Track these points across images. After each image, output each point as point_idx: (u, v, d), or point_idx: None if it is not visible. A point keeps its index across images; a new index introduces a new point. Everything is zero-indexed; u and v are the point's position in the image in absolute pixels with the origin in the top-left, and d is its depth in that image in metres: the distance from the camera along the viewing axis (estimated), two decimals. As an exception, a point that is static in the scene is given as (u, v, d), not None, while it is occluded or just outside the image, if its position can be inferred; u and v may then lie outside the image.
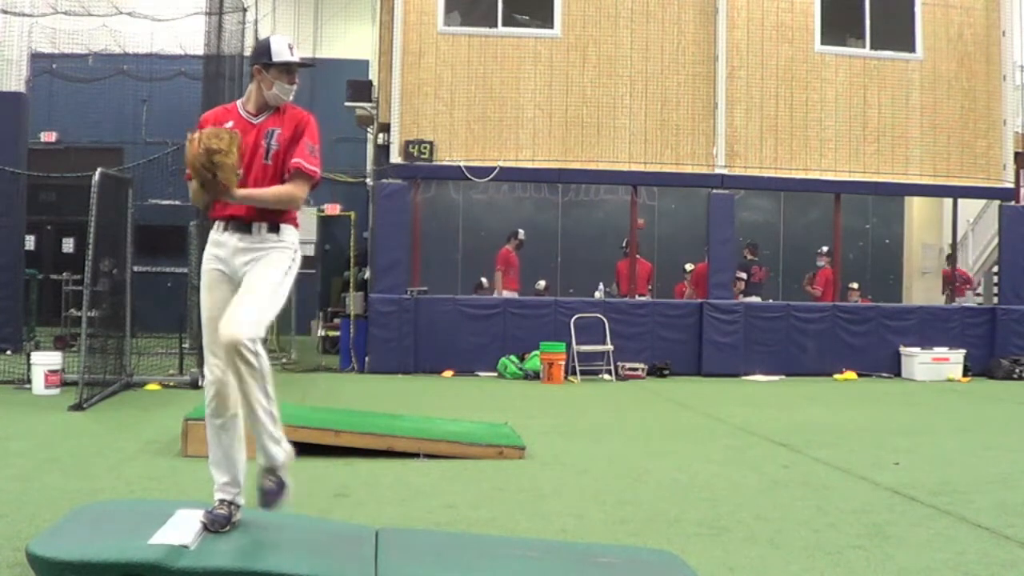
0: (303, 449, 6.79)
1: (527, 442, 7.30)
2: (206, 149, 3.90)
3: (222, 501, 4.13)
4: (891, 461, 7.22)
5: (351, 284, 16.48)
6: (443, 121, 14.18)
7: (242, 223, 4.11)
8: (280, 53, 4.20)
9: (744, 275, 15.35)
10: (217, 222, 4.17)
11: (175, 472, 6.33)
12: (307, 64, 4.32)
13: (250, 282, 4.07)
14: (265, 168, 4.15)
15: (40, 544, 3.78)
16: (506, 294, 14.72)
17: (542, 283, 15.73)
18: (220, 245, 4.15)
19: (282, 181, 4.16)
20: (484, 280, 15.46)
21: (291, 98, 4.26)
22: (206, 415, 4.17)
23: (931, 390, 13.05)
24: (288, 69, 4.21)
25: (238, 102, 4.32)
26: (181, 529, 3.94)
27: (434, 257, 15.96)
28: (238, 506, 4.16)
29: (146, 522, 4.01)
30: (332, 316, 17.07)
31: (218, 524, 4.03)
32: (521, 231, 15.22)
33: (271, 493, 4.12)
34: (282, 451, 4.12)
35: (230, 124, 4.19)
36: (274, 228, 4.15)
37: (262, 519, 4.39)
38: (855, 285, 16.13)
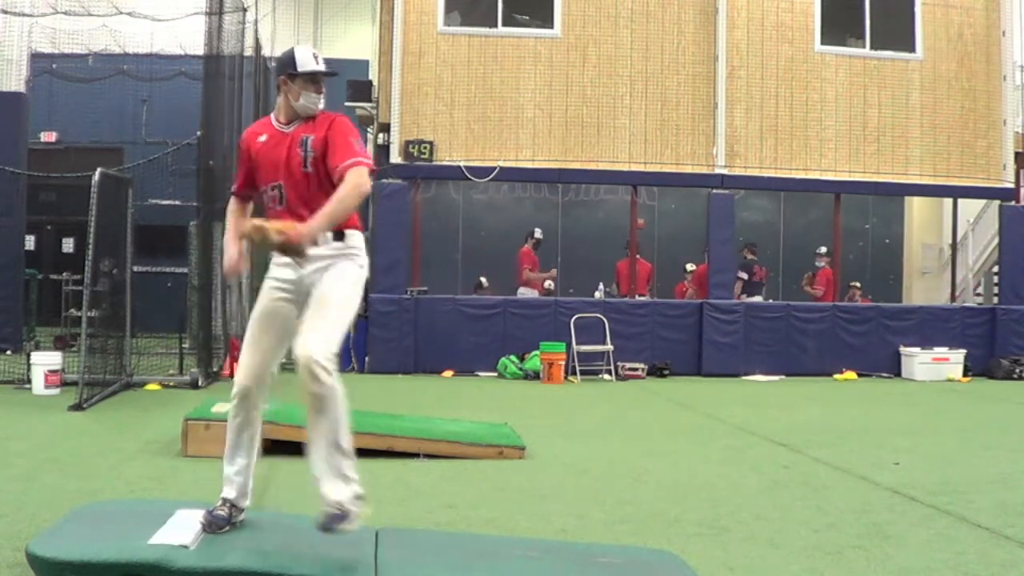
0: (304, 449, 6.82)
1: (527, 442, 7.30)
2: (257, 239, 3.87)
3: (224, 500, 4.13)
4: (891, 461, 7.22)
5: (351, 284, 16.43)
6: (443, 121, 14.18)
7: None
8: (305, 63, 4.17)
9: (745, 275, 15.35)
10: None
11: (175, 472, 6.33)
12: (331, 73, 4.29)
13: (320, 296, 3.96)
14: (307, 177, 4.08)
15: (40, 544, 3.78)
16: (528, 292, 14.75)
17: (549, 282, 15.66)
18: (286, 262, 4.04)
19: (326, 187, 4.02)
20: (484, 280, 15.45)
21: (320, 106, 4.21)
22: (229, 412, 4.14)
23: (931, 390, 13.04)
24: (314, 78, 4.18)
25: (271, 115, 4.29)
26: (181, 529, 3.95)
27: (434, 257, 15.95)
28: (240, 508, 4.16)
29: (146, 522, 4.01)
30: (332, 316, 17.01)
31: (216, 526, 4.03)
32: (538, 230, 15.22)
33: (334, 517, 3.84)
34: (348, 490, 3.86)
35: (264, 138, 4.19)
36: (339, 235, 4.05)
37: (261, 519, 4.40)
38: (858, 284, 16.15)
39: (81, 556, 3.64)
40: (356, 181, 3.94)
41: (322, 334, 3.84)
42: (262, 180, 4.21)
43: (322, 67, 4.22)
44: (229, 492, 4.15)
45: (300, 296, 4.05)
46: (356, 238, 4.11)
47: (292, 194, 4.09)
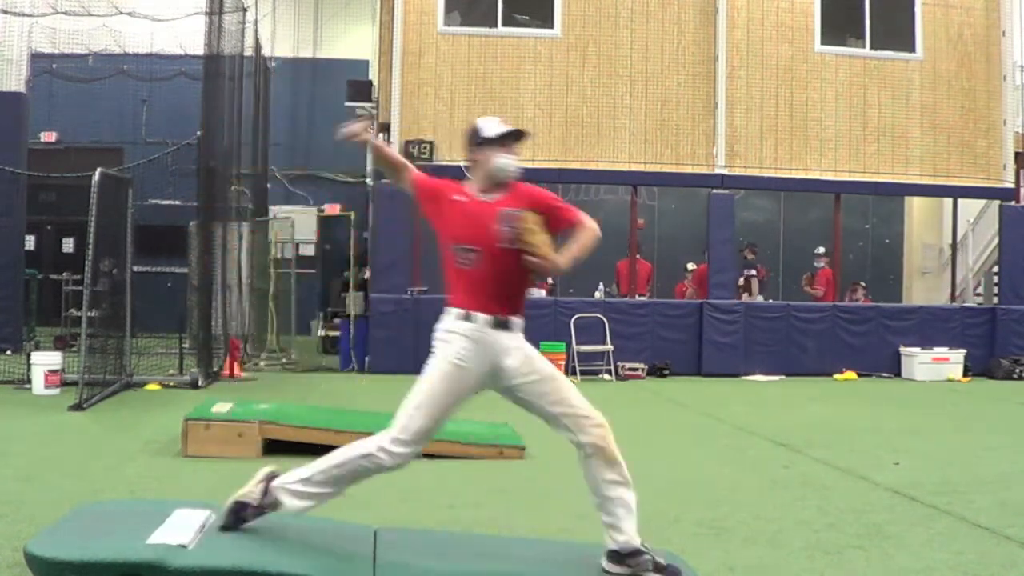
0: (304, 449, 6.83)
1: (527, 442, 7.30)
2: (515, 235, 3.97)
3: (277, 504, 4.00)
4: (891, 461, 7.22)
5: (351, 284, 16.47)
6: (443, 121, 14.17)
7: (506, 322, 4.10)
8: (489, 129, 4.17)
9: (754, 272, 15.36)
10: (478, 315, 4.10)
11: (175, 472, 6.33)
12: (522, 132, 4.28)
13: (553, 382, 4.17)
14: (503, 252, 4.05)
15: (38, 544, 3.77)
16: (536, 292, 14.75)
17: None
18: (484, 343, 4.09)
19: (515, 259, 4.04)
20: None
21: (515, 169, 4.20)
22: (372, 465, 4.00)
23: (931, 390, 13.04)
24: (502, 142, 4.16)
25: (464, 184, 4.27)
26: (179, 529, 3.94)
27: (434, 257, 15.91)
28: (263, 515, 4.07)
29: (145, 522, 4.00)
30: (332, 316, 17.06)
31: (231, 519, 3.98)
32: None
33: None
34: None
35: (462, 198, 4.20)
36: (519, 325, 4.17)
37: (260, 519, 4.39)
38: (863, 283, 16.14)
39: (79, 556, 3.64)
40: (591, 226, 4.16)
41: (587, 406, 4.18)
42: (451, 237, 4.23)
43: (508, 128, 4.20)
44: (294, 504, 4.00)
45: (483, 373, 4.15)
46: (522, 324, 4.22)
47: (485, 265, 4.10)
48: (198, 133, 12.31)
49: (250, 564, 3.68)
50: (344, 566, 3.90)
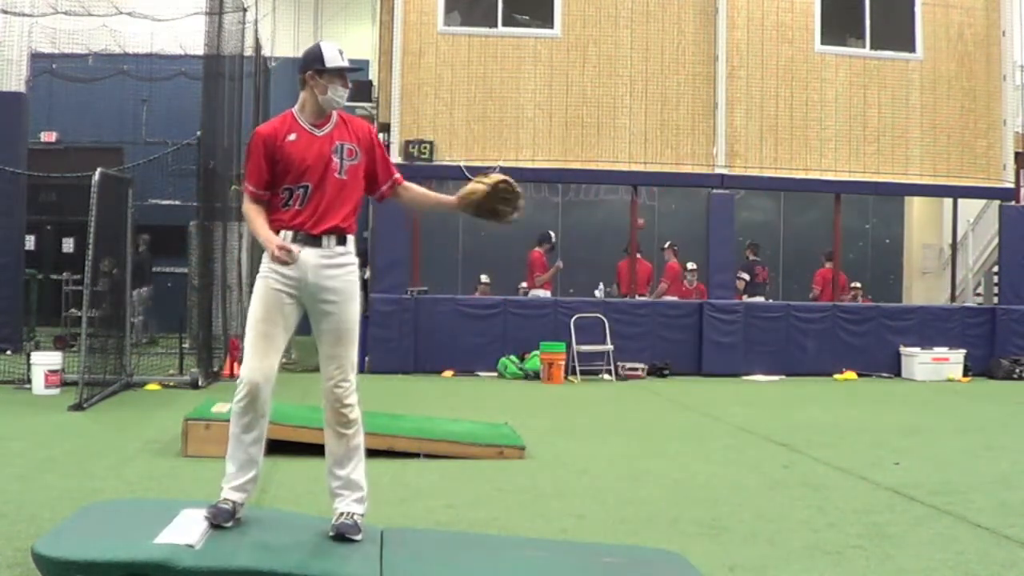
0: (304, 449, 6.83)
1: (527, 442, 7.30)
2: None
3: (225, 499, 4.15)
4: (891, 461, 7.22)
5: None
6: (443, 121, 14.17)
7: None
8: (333, 60, 4.21)
9: (747, 276, 15.34)
10: None
11: (175, 472, 6.33)
12: (356, 68, 4.42)
13: None
14: (340, 183, 4.19)
15: (46, 544, 3.78)
16: (541, 293, 14.74)
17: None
18: None
19: (352, 193, 4.26)
20: (484, 277, 15.45)
21: (344, 101, 4.30)
22: (234, 412, 4.26)
23: (931, 390, 13.04)
24: (340, 73, 4.22)
25: (293, 112, 4.29)
26: (187, 529, 3.95)
27: (434, 257, 15.94)
28: (242, 504, 4.19)
29: (151, 522, 4.01)
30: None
31: (222, 518, 4.05)
32: (551, 234, 15.15)
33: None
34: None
35: (293, 137, 4.18)
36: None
37: (265, 518, 4.40)
38: (857, 284, 16.14)
39: (86, 555, 3.64)
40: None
41: None
42: (288, 180, 4.16)
43: (347, 63, 4.26)
44: (236, 496, 4.18)
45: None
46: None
47: (319, 196, 4.15)
48: (198, 133, 12.31)
49: (257, 564, 3.69)
50: (351, 566, 3.90)
